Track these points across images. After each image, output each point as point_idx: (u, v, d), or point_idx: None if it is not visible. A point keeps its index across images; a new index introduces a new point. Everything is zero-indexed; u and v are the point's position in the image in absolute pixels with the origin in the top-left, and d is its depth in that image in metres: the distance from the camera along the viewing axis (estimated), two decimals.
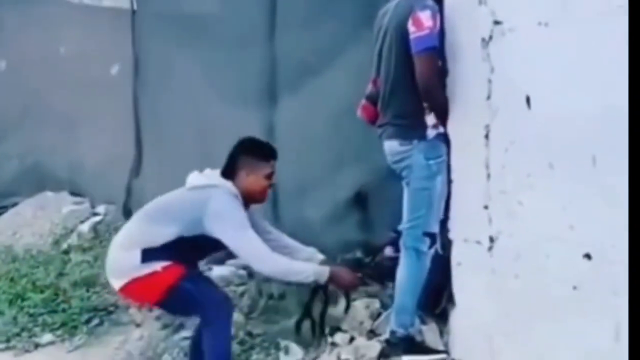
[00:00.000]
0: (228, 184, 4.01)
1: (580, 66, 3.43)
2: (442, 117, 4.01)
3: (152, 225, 3.96)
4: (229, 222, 3.86)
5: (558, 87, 3.52)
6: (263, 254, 3.87)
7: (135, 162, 6.55)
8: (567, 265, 3.55)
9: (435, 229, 4.09)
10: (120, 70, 6.85)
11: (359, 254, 4.98)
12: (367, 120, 4.33)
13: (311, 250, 4.21)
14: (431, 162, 4.01)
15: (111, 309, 5.23)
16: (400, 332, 4.18)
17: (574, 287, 3.54)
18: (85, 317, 5.23)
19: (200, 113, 5.93)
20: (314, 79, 5.18)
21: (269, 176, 4.09)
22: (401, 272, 4.19)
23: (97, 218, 6.82)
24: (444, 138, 4.04)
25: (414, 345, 4.18)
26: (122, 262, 3.95)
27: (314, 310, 4.36)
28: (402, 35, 3.93)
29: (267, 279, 4.82)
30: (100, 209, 6.98)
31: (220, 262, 5.40)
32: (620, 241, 3.34)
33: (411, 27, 3.88)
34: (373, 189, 4.91)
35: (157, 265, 3.85)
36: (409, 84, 3.96)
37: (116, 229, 5.95)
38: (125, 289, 3.95)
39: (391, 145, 4.15)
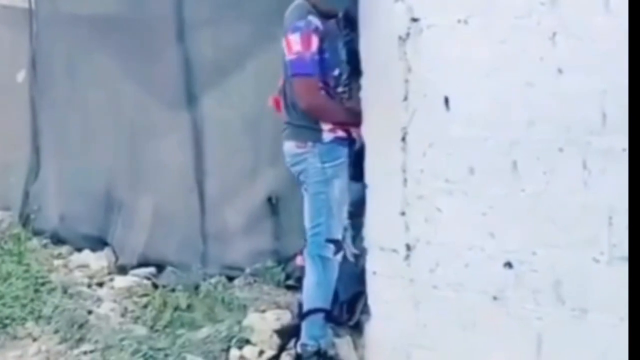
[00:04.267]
0: None
1: (501, 66, 3.39)
2: (347, 124, 3.97)
3: None
4: None
5: (478, 88, 3.47)
6: None
7: (32, 167, 6.30)
8: (487, 275, 3.54)
9: (338, 235, 4.01)
10: (25, 76, 6.59)
11: (269, 262, 4.86)
12: (277, 111, 4.24)
13: None
14: (327, 165, 3.95)
15: (7, 321, 4.97)
16: (312, 344, 4.07)
17: (495, 298, 3.53)
18: None
19: (111, 116, 5.71)
20: (228, 79, 5.04)
21: None
22: (308, 281, 4.10)
23: None
24: (344, 141, 3.99)
25: (326, 359, 4.07)
26: None
27: None
28: None
29: (173, 289, 4.72)
30: None
31: (123, 271, 5.21)
32: (541, 249, 3.38)
33: (284, 48, 3.90)
34: (283, 195, 4.78)
35: None
36: None
37: (11, 236, 5.72)
38: None
39: (289, 147, 4.08)
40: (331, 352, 4.12)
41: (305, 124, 3.97)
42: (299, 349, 4.12)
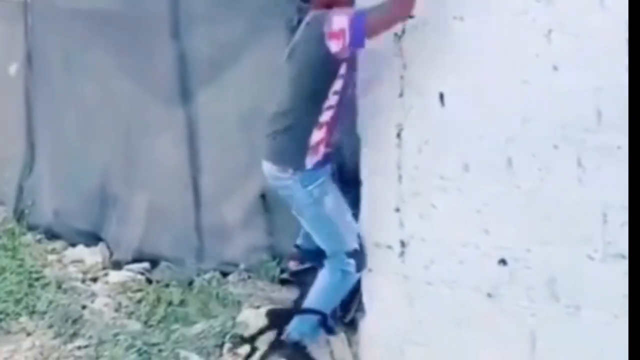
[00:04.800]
0: None
1: (497, 63, 3.39)
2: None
3: None
4: None
5: (473, 85, 3.47)
6: None
7: (26, 162, 6.28)
8: (481, 271, 3.53)
9: (355, 243, 3.90)
10: (18, 69, 6.55)
11: (264, 258, 4.84)
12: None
13: None
14: (310, 188, 3.82)
15: (1, 316, 4.96)
16: (294, 336, 4.05)
17: (489, 294, 3.53)
18: None
19: (106, 111, 5.69)
20: (223, 75, 5.02)
21: None
22: (321, 282, 4.02)
23: None
24: (325, 161, 3.85)
25: (302, 354, 4.06)
26: None
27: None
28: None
29: (167, 285, 4.69)
30: None
31: (118, 267, 5.21)
32: (536, 246, 3.38)
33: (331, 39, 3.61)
34: (274, 191, 4.77)
35: None
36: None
37: (6, 231, 5.70)
38: None
39: (268, 168, 3.93)
40: (308, 350, 4.09)
41: (287, 144, 3.84)
42: (283, 335, 4.09)
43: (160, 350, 4.38)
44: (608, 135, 3.14)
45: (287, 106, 3.82)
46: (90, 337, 4.44)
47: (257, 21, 4.78)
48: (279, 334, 4.13)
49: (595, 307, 3.26)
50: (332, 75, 3.67)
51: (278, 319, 4.22)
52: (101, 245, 5.46)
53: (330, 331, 4.17)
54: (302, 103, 3.77)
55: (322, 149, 3.80)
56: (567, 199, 3.25)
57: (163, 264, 5.08)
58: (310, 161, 3.80)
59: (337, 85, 3.68)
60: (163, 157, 5.19)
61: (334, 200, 3.87)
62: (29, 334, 4.68)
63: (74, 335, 4.59)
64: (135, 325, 4.58)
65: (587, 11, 3.14)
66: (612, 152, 3.12)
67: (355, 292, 4.09)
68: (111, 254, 5.36)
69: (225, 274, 4.90)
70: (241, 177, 4.95)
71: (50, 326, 4.68)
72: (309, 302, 4.07)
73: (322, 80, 3.69)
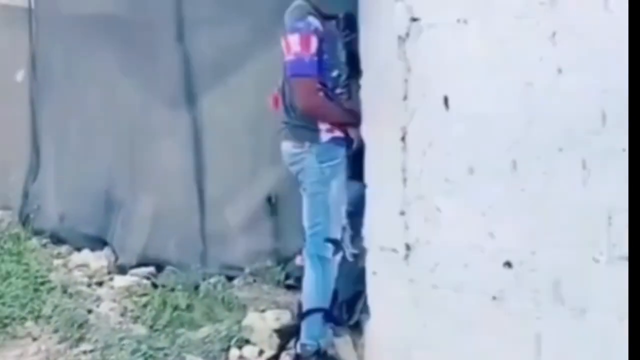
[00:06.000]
0: None
1: (501, 65, 3.37)
2: (345, 125, 3.97)
3: None
4: None
5: (478, 88, 3.45)
6: None
7: (32, 167, 6.29)
8: (486, 274, 3.51)
9: (337, 234, 4.00)
10: (25, 76, 6.57)
11: (269, 262, 4.85)
12: (275, 109, 4.20)
13: None
14: (324, 165, 3.94)
15: (7, 321, 4.96)
16: (311, 344, 4.06)
17: (494, 297, 3.50)
18: None
19: (111, 115, 5.71)
20: (228, 78, 5.03)
21: None
22: (307, 281, 4.09)
23: None
24: (342, 141, 3.99)
25: (326, 359, 4.07)
26: None
27: None
28: None
29: (172, 289, 4.70)
30: None
31: (123, 271, 5.20)
32: (541, 249, 3.35)
33: (283, 48, 3.90)
34: (283, 195, 4.78)
35: None
36: None
37: (11, 236, 5.71)
38: None
39: (286, 147, 4.08)
40: (331, 352, 4.12)
41: (303, 124, 3.97)
42: (298, 349, 4.10)
43: (165, 355, 4.38)
44: (613, 138, 3.11)
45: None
46: (96, 341, 4.45)
47: (262, 24, 4.79)
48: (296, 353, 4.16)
49: (601, 309, 3.23)
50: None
51: (289, 333, 4.26)
52: (106, 250, 5.48)
53: (338, 322, 4.20)
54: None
55: (337, 131, 3.95)
56: (572, 202, 3.23)
57: (168, 268, 5.09)
58: (325, 136, 3.93)
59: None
60: (168, 161, 5.20)
61: (338, 186, 3.95)
62: (34, 339, 4.69)
63: (80, 339, 4.60)
64: (140, 330, 4.59)
65: (592, 13, 3.13)
66: (617, 155, 3.09)
67: (360, 295, 4.11)
68: (116, 259, 5.37)
69: (230, 278, 4.90)
70: (246, 182, 4.95)
71: (56, 331, 4.68)
72: (306, 304, 4.08)
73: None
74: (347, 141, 3.97)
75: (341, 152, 3.97)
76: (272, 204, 4.90)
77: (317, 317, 4.05)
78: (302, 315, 4.10)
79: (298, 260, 4.53)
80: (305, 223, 4.06)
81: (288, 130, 4.06)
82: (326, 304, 4.06)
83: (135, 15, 5.39)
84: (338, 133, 3.95)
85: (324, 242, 3.98)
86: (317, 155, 3.93)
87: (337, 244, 4.00)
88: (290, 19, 3.90)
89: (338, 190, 3.96)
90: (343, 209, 4.01)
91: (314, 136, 3.93)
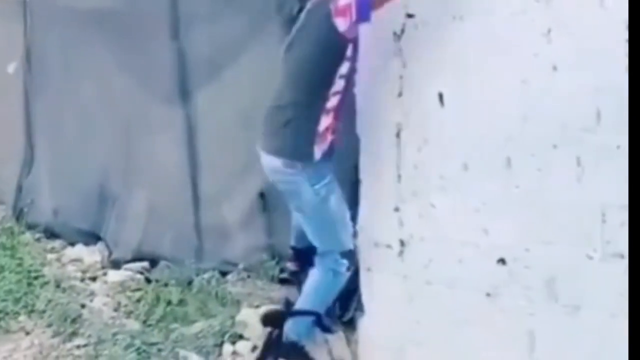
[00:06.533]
0: None
1: (496, 62, 3.38)
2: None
3: None
4: None
5: (472, 84, 3.47)
6: None
7: (26, 161, 6.28)
8: (480, 271, 3.52)
9: (351, 245, 3.90)
10: (17, 68, 6.55)
11: (264, 256, 4.80)
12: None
13: None
14: (317, 187, 3.76)
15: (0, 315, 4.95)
16: (292, 338, 4.02)
17: (488, 294, 3.52)
18: None
19: (106, 110, 5.69)
20: (222, 74, 5.01)
21: None
22: (311, 280, 3.99)
23: None
24: (327, 156, 3.78)
25: (300, 354, 4.03)
26: None
27: None
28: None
29: (166, 284, 4.68)
30: None
31: (117, 266, 5.19)
32: (535, 246, 3.37)
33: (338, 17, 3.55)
34: (276, 191, 4.76)
35: None
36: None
37: (5, 230, 5.69)
38: None
39: (272, 162, 3.83)
40: (308, 349, 4.05)
41: (298, 137, 3.75)
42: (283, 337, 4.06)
43: (159, 350, 4.38)
44: (607, 135, 3.13)
45: (289, 98, 3.75)
46: (89, 336, 4.44)
47: (257, 20, 4.77)
48: (278, 334, 4.10)
49: (594, 306, 3.25)
50: (339, 58, 3.60)
51: (274, 320, 4.19)
52: (100, 245, 5.45)
53: (326, 330, 4.15)
54: (308, 92, 3.70)
55: (329, 136, 3.73)
56: (566, 199, 3.24)
57: (162, 263, 5.06)
58: (318, 151, 3.71)
59: (344, 68, 3.62)
60: (162, 156, 5.18)
61: (335, 200, 3.83)
62: (27, 333, 4.67)
63: (73, 334, 4.58)
64: (134, 325, 4.57)
65: (587, 11, 3.13)
66: (611, 152, 3.11)
67: (354, 291, 4.09)
68: (110, 253, 5.35)
69: (224, 274, 4.87)
70: (241, 177, 4.94)
71: (49, 325, 4.66)
72: (301, 303, 4.04)
73: (329, 64, 3.62)
74: (330, 154, 3.79)
75: (329, 168, 3.80)
76: (264, 200, 4.89)
77: (307, 320, 4.02)
78: (292, 312, 4.07)
79: (290, 266, 4.49)
80: (315, 243, 3.91)
81: (275, 143, 3.83)
82: (321, 310, 4.00)
83: (131, 10, 5.36)
84: (325, 145, 3.74)
85: (340, 258, 3.85)
86: (309, 179, 3.73)
87: (351, 256, 3.89)
88: None
89: (337, 202, 3.82)
90: (347, 216, 3.89)
91: (308, 154, 3.71)
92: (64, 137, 5.83)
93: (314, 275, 3.98)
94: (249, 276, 4.78)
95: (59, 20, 5.76)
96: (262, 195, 4.84)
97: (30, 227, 5.77)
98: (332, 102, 3.68)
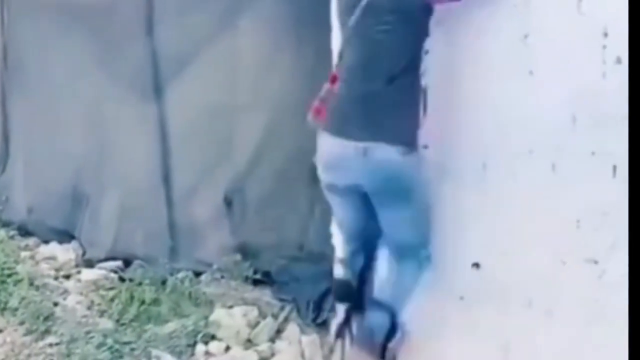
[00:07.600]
0: None
1: (471, 67, 3.37)
2: None
3: None
4: None
5: (447, 90, 3.44)
6: None
7: (1, 157, 6.25)
8: (455, 275, 3.50)
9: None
10: None
11: (237, 256, 4.80)
12: (319, 121, 3.49)
13: None
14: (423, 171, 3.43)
15: None
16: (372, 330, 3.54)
17: (461, 298, 3.51)
18: None
19: (80, 107, 5.67)
20: (191, 71, 5.00)
21: None
22: (398, 281, 3.56)
23: None
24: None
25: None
26: None
27: None
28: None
29: (140, 283, 4.69)
30: None
31: (90, 264, 5.19)
32: (509, 250, 3.35)
33: None
34: (237, 190, 4.75)
35: None
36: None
37: None
38: None
39: (387, 152, 3.30)
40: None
41: (408, 121, 3.36)
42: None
43: (132, 349, 4.37)
44: (583, 141, 3.12)
45: (380, 85, 3.29)
46: (62, 334, 4.42)
47: (227, 17, 4.77)
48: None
49: (568, 312, 3.24)
50: (425, 32, 3.30)
51: (348, 295, 3.75)
52: (74, 243, 5.44)
53: (305, 320, 4.20)
54: (405, 71, 3.29)
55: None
56: (541, 204, 3.24)
57: (136, 262, 5.06)
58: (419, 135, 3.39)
59: (428, 43, 3.33)
60: (135, 155, 5.17)
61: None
62: (0, 331, 4.64)
63: (46, 332, 4.57)
64: (107, 324, 4.57)
65: (564, 15, 3.12)
66: (586, 158, 3.11)
67: (327, 293, 4.09)
68: (84, 252, 5.33)
69: (198, 274, 4.88)
70: (213, 175, 4.94)
71: (22, 323, 4.65)
72: (382, 295, 3.60)
73: (419, 40, 3.31)
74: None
75: None
76: (229, 200, 4.88)
77: (385, 315, 3.53)
78: (374, 302, 3.61)
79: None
80: (410, 235, 3.46)
81: (389, 129, 3.31)
82: (401, 307, 3.55)
83: (106, 5, 5.35)
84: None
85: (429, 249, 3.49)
86: (419, 164, 3.38)
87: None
88: None
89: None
90: None
91: (415, 138, 3.35)
92: (39, 134, 5.82)
93: (398, 271, 3.55)
94: (222, 276, 4.78)
95: (36, 16, 5.75)
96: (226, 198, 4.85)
97: (4, 224, 5.76)
98: (424, 80, 3.42)
